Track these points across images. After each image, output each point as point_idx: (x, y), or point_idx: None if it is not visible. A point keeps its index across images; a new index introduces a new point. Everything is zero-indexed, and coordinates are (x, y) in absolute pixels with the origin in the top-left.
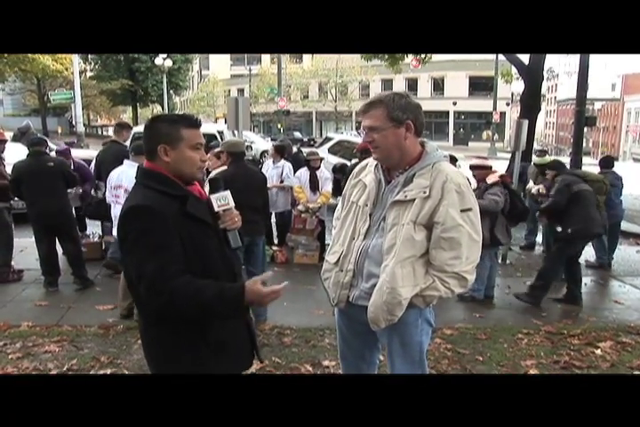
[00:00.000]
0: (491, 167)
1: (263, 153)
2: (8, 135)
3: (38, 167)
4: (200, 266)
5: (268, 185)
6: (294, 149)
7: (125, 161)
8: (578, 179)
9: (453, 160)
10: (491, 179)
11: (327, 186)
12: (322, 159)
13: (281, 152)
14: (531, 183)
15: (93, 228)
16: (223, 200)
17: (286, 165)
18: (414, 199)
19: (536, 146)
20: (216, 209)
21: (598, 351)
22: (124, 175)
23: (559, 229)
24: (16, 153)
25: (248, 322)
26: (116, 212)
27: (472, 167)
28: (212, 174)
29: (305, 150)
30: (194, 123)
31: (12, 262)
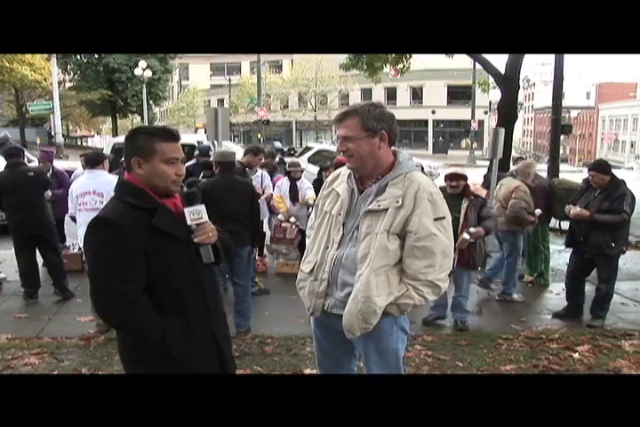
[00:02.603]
0: (466, 177)
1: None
2: None
3: (18, 178)
4: (164, 280)
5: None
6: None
7: (86, 171)
8: None
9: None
10: (480, 191)
11: (308, 194)
12: (303, 170)
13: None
14: None
15: (73, 239)
16: (196, 214)
17: (265, 175)
18: (387, 209)
19: (514, 153)
20: (189, 223)
21: (576, 355)
22: (91, 181)
23: (613, 244)
24: None
25: (217, 339)
26: (83, 218)
27: (448, 177)
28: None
29: (286, 160)
30: (171, 137)
31: None
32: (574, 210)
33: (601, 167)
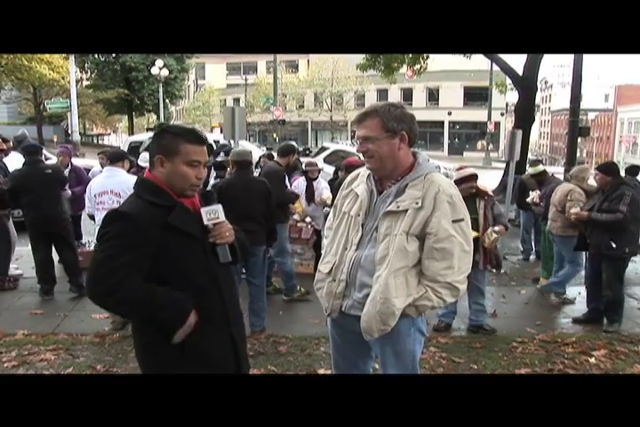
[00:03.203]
0: (477, 177)
1: (258, 163)
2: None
3: (36, 175)
4: (177, 279)
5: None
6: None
7: (104, 169)
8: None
9: None
10: (487, 189)
11: (325, 194)
12: (320, 170)
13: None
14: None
15: (89, 236)
16: (213, 214)
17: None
18: (407, 210)
19: (530, 156)
20: (205, 222)
21: (592, 360)
22: (109, 180)
23: (614, 245)
24: (13, 161)
25: (233, 337)
26: (101, 217)
27: (462, 180)
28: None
29: (303, 160)
30: (198, 139)
31: (14, 266)
32: (573, 210)
33: (605, 168)
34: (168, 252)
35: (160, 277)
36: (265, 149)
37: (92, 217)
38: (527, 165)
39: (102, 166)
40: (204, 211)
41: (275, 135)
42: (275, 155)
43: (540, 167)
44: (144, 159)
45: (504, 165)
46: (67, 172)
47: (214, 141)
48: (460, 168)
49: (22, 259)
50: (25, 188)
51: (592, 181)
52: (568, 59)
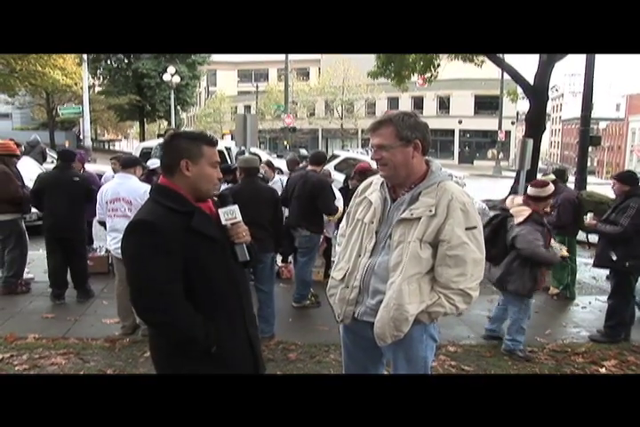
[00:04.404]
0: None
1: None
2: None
3: (63, 180)
4: (203, 280)
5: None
6: (300, 166)
7: (116, 175)
8: None
9: None
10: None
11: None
12: (331, 179)
13: (273, 168)
14: None
15: (100, 241)
16: (231, 214)
17: (284, 180)
18: (420, 217)
19: (541, 165)
20: (223, 222)
21: (603, 370)
22: (122, 188)
23: (614, 257)
24: (25, 166)
25: (250, 338)
26: (113, 224)
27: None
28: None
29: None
30: (212, 141)
31: (25, 270)
32: (589, 219)
33: (622, 177)
34: (192, 255)
35: (185, 281)
36: (276, 156)
37: (102, 223)
38: (538, 175)
39: (115, 172)
40: (221, 211)
41: (285, 143)
42: (272, 162)
43: (552, 176)
44: (152, 163)
45: (514, 174)
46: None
47: (225, 148)
48: (541, 184)
49: (34, 263)
50: (49, 191)
51: (605, 192)
52: (579, 67)
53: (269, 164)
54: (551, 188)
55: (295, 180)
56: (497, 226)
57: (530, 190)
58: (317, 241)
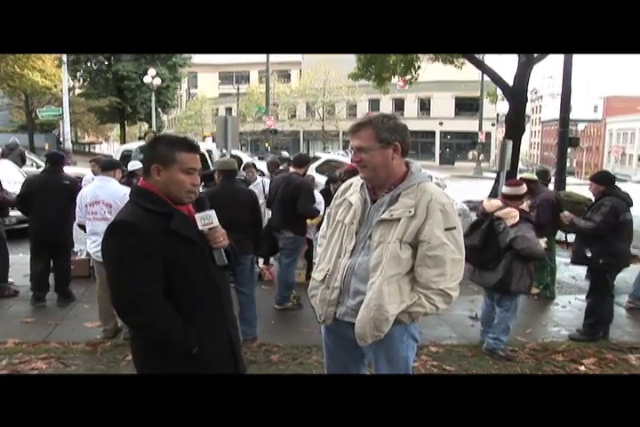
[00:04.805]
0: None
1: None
2: None
3: (54, 184)
4: (182, 282)
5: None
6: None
7: (96, 177)
8: (626, 205)
9: None
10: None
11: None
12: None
13: (255, 170)
14: None
15: (80, 245)
16: (207, 219)
17: (265, 182)
18: (400, 218)
19: (521, 166)
20: (200, 227)
21: (582, 368)
22: (101, 190)
23: (589, 254)
24: (4, 169)
25: (231, 340)
26: (93, 228)
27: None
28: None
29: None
30: (192, 148)
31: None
32: (565, 213)
33: (598, 177)
34: (171, 257)
35: (166, 282)
36: (257, 158)
37: (81, 227)
38: (517, 175)
39: (94, 174)
40: (198, 217)
41: (267, 145)
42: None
43: (534, 176)
44: (132, 165)
45: (495, 175)
46: None
47: (206, 151)
48: (516, 183)
49: (13, 267)
50: (38, 194)
51: (584, 192)
52: (558, 69)
53: (254, 166)
54: (525, 187)
55: (278, 182)
56: (488, 231)
57: (505, 189)
58: (301, 243)
